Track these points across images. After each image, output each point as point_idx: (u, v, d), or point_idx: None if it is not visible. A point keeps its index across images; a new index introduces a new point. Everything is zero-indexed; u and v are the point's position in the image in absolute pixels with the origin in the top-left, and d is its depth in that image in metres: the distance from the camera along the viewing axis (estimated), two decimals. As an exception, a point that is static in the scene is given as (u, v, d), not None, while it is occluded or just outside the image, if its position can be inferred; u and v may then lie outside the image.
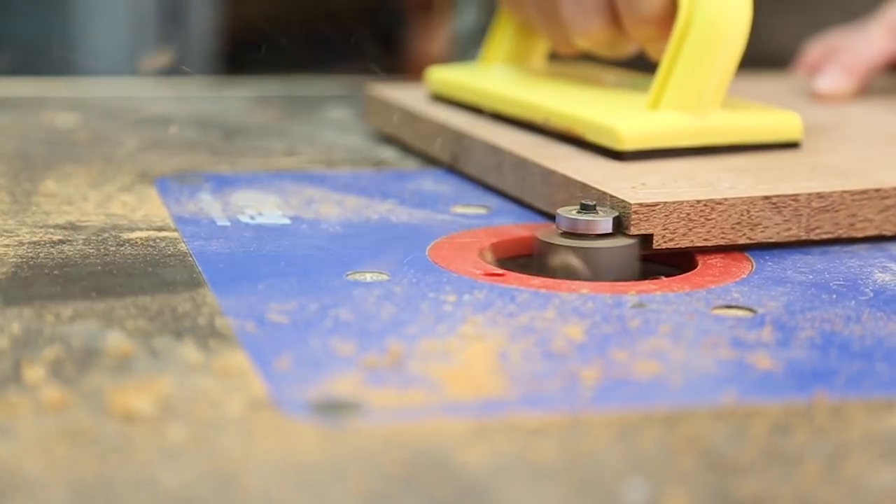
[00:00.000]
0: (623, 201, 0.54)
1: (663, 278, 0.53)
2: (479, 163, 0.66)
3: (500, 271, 0.52)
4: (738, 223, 0.55)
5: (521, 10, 0.71)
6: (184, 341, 0.44)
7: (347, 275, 0.51)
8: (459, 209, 0.62)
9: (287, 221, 0.59)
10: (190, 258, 0.53)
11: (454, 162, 0.68)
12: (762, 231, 0.55)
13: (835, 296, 0.50)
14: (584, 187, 0.56)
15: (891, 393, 0.41)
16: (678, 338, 0.45)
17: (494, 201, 0.63)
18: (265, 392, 0.40)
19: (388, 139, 0.75)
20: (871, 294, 0.50)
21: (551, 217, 0.56)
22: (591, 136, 0.62)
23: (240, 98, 0.89)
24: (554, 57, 0.74)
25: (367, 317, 0.47)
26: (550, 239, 0.54)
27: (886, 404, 0.40)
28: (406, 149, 0.73)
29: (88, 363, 0.42)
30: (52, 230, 0.56)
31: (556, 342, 0.45)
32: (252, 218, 0.59)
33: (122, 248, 0.54)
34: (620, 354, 0.44)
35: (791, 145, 0.64)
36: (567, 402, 0.40)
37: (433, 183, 0.66)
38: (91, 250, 0.53)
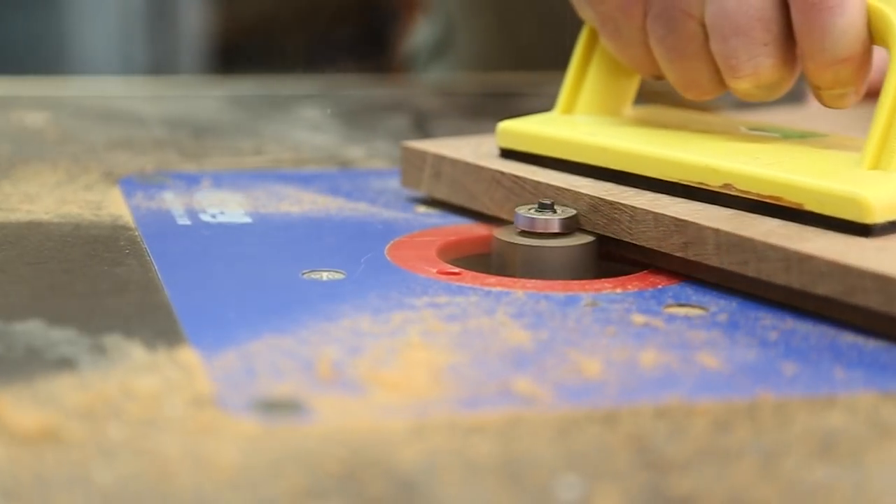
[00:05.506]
0: None
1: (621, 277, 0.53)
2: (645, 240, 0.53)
3: (457, 270, 0.52)
4: None
5: (633, 46, 0.58)
6: (133, 340, 0.44)
7: (303, 273, 0.51)
8: (423, 209, 0.62)
9: (248, 220, 0.59)
10: (147, 257, 0.53)
11: None
12: None
13: (789, 294, 0.50)
14: (880, 279, 0.45)
15: (833, 390, 0.41)
16: (627, 336, 0.46)
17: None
18: (209, 390, 0.40)
19: (437, 203, 0.62)
20: (826, 293, 0.50)
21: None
22: (815, 207, 0.50)
23: (213, 97, 0.89)
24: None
25: (318, 316, 0.47)
26: (509, 238, 0.54)
27: (828, 402, 0.40)
28: (481, 216, 0.59)
29: (32, 361, 0.42)
30: (9, 228, 0.56)
31: (504, 342, 0.45)
32: (213, 217, 0.59)
33: (79, 247, 0.54)
34: (568, 353, 0.44)
35: None
36: (509, 402, 0.40)
37: (399, 183, 0.66)
38: (47, 248, 0.53)
